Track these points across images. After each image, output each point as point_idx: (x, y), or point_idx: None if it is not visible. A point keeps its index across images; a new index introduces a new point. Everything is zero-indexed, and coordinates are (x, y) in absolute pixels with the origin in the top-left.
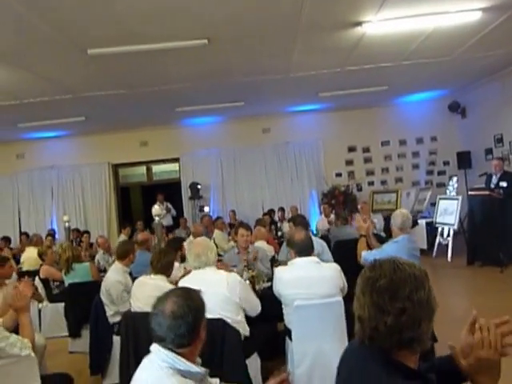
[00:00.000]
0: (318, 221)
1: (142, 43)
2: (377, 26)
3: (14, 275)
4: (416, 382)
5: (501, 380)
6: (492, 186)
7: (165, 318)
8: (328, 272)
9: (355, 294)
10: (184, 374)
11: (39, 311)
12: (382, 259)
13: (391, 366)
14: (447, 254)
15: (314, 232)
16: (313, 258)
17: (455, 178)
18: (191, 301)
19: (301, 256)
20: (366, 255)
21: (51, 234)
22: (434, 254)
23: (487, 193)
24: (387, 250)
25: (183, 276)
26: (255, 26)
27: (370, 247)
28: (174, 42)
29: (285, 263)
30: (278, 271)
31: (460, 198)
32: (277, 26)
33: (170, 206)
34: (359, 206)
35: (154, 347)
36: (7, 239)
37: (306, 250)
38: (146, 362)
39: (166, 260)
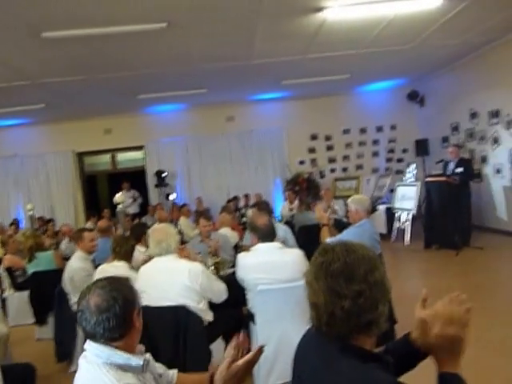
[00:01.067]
0: (282, 207)
1: (98, 26)
2: (338, 11)
3: None
4: (374, 364)
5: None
6: (449, 172)
7: (91, 313)
8: (290, 257)
9: (307, 280)
10: (123, 367)
11: (3, 300)
12: (332, 243)
13: (350, 351)
14: (405, 238)
15: (279, 218)
16: (275, 244)
17: (413, 165)
18: (117, 291)
19: (264, 241)
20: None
21: (15, 222)
22: (393, 238)
23: (444, 179)
24: (350, 235)
25: (144, 263)
26: (215, 9)
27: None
28: (131, 26)
29: (247, 248)
30: (241, 257)
31: (418, 184)
32: (237, 10)
33: (136, 194)
34: (322, 193)
35: (87, 344)
36: None
37: (268, 235)
38: (81, 361)
39: (127, 246)
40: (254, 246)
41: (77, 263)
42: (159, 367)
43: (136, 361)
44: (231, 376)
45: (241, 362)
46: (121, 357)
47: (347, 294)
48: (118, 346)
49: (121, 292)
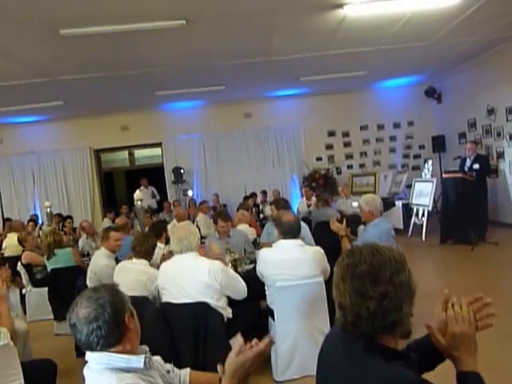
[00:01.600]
0: (299, 203)
1: (116, 24)
2: (358, 8)
3: None
4: (399, 362)
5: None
6: (466, 168)
7: (82, 325)
8: (311, 255)
9: (334, 281)
10: (124, 369)
11: (23, 296)
12: (360, 245)
13: (375, 350)
14: (422, 234)
15: (295, 214)
16: (297, 241)
17: (430, 161)
18: (103, 298)
19: (286, 238)
20: None
21: (33, 219)
22: (410, 233)
23: (460, 175)
24: (369, 237)
25: (164, 259)
26: (234, 6)
27: None
28: (150, 23)
29: (266, 245)
30: (262, 252)
31: (434, 180)
32: (256, 6)
33: (155, 191)
34: (340, 189)
35: (87, 356)
36: None
37: (291, 232)
38: (85, 371)
39: (148, 244)
40: (276, 242)
41: (102, 261)
42: (168, 366)
43: (136, 361)
44: (239, 366)
45: (250, 352)
46: (120, 359)
47: (372, 296)
48: (116, 351)
49: (107, 299)
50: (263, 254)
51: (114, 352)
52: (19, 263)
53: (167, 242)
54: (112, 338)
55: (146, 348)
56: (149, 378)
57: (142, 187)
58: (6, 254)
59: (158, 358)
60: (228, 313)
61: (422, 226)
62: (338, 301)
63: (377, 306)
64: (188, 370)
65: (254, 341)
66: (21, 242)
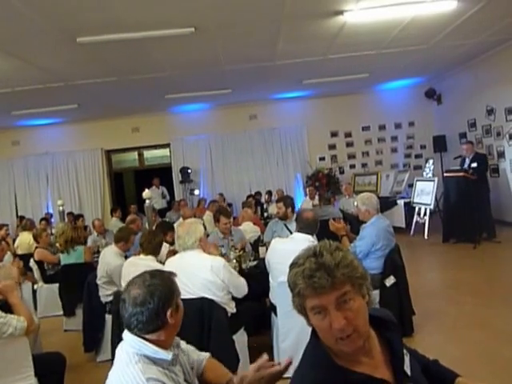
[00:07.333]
0: (302, 202)
1: (130, 31)
2: (357, 14)
3: (9, 257)
4: None
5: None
6: (465, 167)
7: (129, 305)
8: None
9: None
10: (152, 359)
11: (34, 292)
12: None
13: None
14: (424, 232)
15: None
16: (309, 237)
17: (431, 161)
18: (155, 286)
19: (300, 232)
20: (351, 249)
21: (46, 218)
22: (412, 232)
23: (461, 174)
24: (367, 235)
25: (168, 256)
26: (241, 14)
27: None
28: (161, 30)
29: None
30: (274, 241)
31: (436, 179)
32: (262, 14)
33: (165, 191)
34: (343, 188)
35: (125, 334)
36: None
37: (306, 227)
38: (118, 349)
39: (155, 241)
40: (292, 234)
41: (115, 261)
42: (193, 352)
43: (164, 355)
44: (255, 380)
45: (269, 370)
46: (150, 350)
47: None
48: (150, 339)
49: (159, 289)
50: (274, 243)
51: (147, 340)
52: (32, 259)
53: (173, 243)
54: (150, 326)
55: (178, 340)
56: (172, 374)
57: (153, 187)
58: (18, 252)
59: (189, 347)
60: (231, 308)
61: (423, 224)
62: None
63: None
64: (208, 354)
65: (277, 362)
66: (35, 237)
